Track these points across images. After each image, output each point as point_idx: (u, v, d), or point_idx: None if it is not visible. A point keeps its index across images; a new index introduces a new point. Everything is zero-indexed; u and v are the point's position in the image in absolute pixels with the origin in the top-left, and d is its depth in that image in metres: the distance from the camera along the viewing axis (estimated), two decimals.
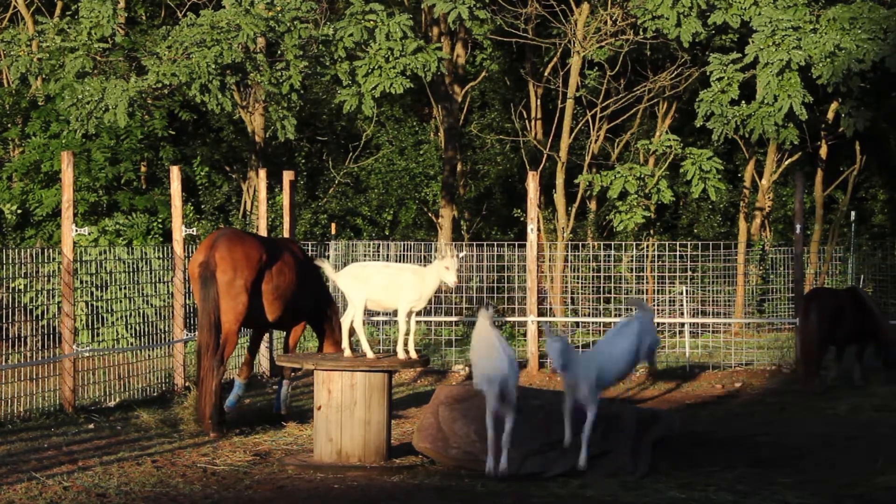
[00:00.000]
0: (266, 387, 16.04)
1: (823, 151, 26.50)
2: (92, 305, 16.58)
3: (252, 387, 15.29)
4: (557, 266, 21.74)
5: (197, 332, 12.51)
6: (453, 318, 19.47)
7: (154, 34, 23.15)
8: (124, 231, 22.43)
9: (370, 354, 11.00)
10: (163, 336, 16.12)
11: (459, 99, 26.49)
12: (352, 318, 11.04)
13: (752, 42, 21.31)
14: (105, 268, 16.56)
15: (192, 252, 15.49)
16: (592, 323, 19.86)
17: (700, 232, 26.26)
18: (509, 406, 9.89)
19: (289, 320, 13.07)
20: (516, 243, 19.92)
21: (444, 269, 10.90)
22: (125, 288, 16.30)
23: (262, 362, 16.92)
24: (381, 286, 10.98)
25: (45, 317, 14.88)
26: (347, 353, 11.09)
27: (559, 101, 24.68)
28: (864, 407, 14.44)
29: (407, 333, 11.04)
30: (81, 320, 16.86)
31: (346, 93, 21.10)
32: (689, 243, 20.42)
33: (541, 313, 18.49)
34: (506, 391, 9.87)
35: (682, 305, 19.92)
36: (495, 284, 20.40)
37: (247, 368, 13.22)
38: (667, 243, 20.46)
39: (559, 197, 24.24)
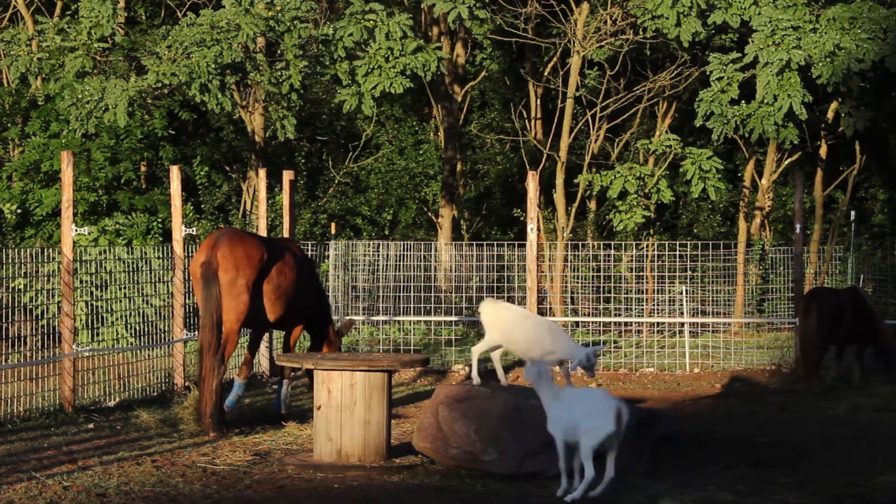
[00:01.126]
0: (266, 387, 16.03)
1: (823, 151, 26.50)
2: (92, 305, 16.58)
3: (252, 387, 15.29)
4: (557, 266, 21.74)
5: (199, 332, 12.51)
6: (453, 318, 19.48)
7: (154, 34, 23.15)
8: (124, 231, 22.43)
9: (476, 380, 11.00)
10: (162, 336, 16.11)
11: (459, 99, 26.48)
12: (484, 347, 11.07)
13: (752, 42, 21.31)
14: (105, 267, 16.56)
15: (192, 252, 15.51)
16: (592, 323, 19.86)
17: (700, 232, 26.26)
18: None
19: (289, 320, 13.07)
20: (516, 243, 19.92)
21: (587, 361, 10.86)
22: (125, 288, 16.29)
23: (262, 362, 16.92)
24: (520, 334, 10.97)
25: (45, 316, 14.88)
26: (503, 379, 11.16)
27: (559, 101, 24.69)
28: (864, 407, 14.43)
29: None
30: (81, 320, 16.85)
31: (345, 92, 21.10)
32: (688, 243, 20.42)
33: (540, 313, 18.49)
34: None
35: (681, 305, 19.91)
36: (495, 284, 20.40)
37: (246, 368, 13.21)
38: (667, 243, 20.46)
39: (559, 197, 24.25)
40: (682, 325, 19.31)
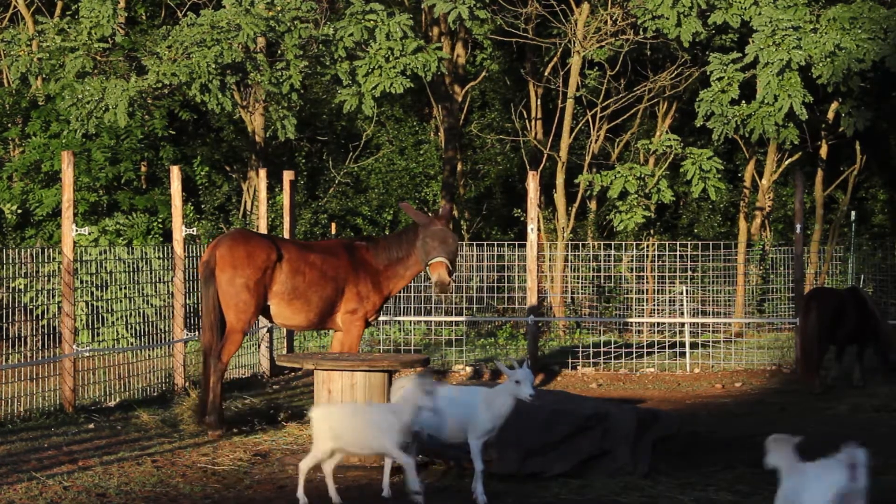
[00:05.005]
0: (266, 387, 16.03)
1: (823, 151, 26.51)
2: (92, 305, 16.58)
3: (252, 386, 15.29)
4: (557, 266, 21.74)
5: (200, 331, 12.53)
6: (453, 318, 19.48)
7: (154, 34, 23.15)
8: (124, 231, 22.42)
9: None
10: (163, 336, 16.11)
11: (459, 99, 26.48)
12: None
13: (753, 42, 21.32)
14: (105, 268, 16.56)
15: (193, 252, 15.54)
16: (592, 323, 19.86)
17: (700, 232, 26.26)
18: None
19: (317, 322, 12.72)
20: (516, 243, 19.92)
21: None
22: (125, 288, 16.29)
23: (263, 362, 16.92)
24: None
25: (45, 317, 14.88)
26: None
27: (559, 101, 24.69)
28: (864, 407, 14.43)
29: None
30: (81, 320, 16.85)
31: (346, 93, 21.10)
32: (689, 243, 20.42)
33: (540, 313, 18.50)
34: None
35: (682, 305, 19.91)
36: (495, 284, 20.40)
37: None
38: (667, 243, 20.46)
39: (559, 197, 24.25)
40: (683, 325, 19.31)
